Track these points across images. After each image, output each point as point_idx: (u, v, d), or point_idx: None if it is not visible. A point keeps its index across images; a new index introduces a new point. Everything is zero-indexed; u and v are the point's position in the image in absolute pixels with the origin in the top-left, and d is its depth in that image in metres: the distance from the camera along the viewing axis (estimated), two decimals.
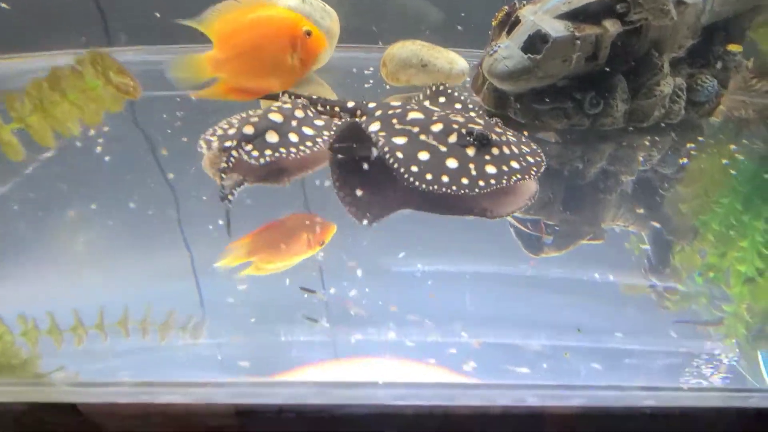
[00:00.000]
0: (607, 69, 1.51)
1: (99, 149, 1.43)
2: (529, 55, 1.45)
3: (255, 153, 1.27)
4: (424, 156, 1.23)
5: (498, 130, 1.32)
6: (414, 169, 1.19)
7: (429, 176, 1.18)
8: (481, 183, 1.18)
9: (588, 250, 1.34)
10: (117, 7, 2.25)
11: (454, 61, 1.84)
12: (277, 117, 1.36)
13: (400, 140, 1.28)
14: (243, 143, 1.29)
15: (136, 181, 1.37)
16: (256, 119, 1.37)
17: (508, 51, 1.51)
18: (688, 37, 1.61)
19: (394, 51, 1.80)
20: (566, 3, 1.43)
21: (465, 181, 1.18)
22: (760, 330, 1.19)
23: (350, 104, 1.51)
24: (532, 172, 1.24)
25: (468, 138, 1.25)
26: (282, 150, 1.32)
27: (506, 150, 1.26)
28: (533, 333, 0.94)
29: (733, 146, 1.81)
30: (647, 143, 1.64)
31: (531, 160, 1.28)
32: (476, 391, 0.77)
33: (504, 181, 1.19)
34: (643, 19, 1.35)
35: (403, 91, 1.94)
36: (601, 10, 1.40)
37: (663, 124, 1.65)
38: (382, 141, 1.26)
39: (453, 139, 1.27)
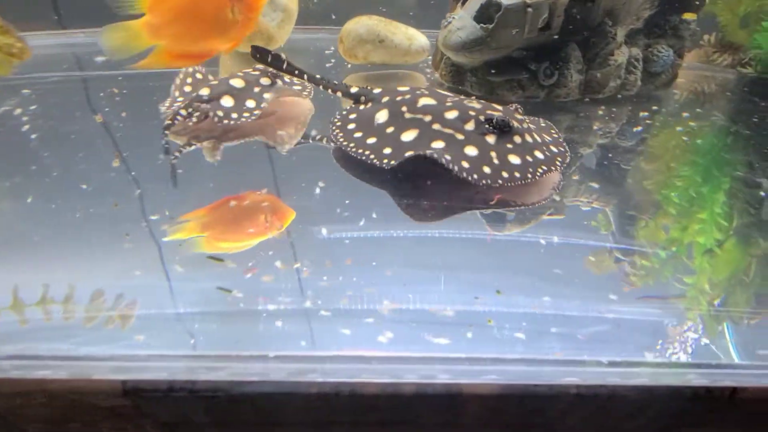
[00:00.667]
0: (561, 39, 1.50)
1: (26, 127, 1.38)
2: (481, 24, 1.44)
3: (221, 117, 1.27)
4: (438, 145, 1.10)
5: (518, 116, 1.20)
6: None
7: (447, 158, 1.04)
8: (505, 174, 1.06)
9: (548, 225, 1.34)
10: None
11: (414, 37, 1.81)
12: (238, 82, 1.38)
13: (409, 135, 1.13)
14: (195, 103, 1.30)
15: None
16: (215, 82, 1.39)
17: (461, 22, 1.49)
18: (646, 7, 1.61)
19: (350, 27, 1.77)
20: None
21: (487, 170, 1.05)
22: (722, 302, 1.19)
23: (353, 89, 1.36)
24: (557, 163, 1.13)
25: (487, 125, 1.11)
26: (233, 115, 1.31)
27: (529, 138, 1.14)
28: (465, 302, 0.91)
29: (692, 120, 1.81)
30: (605, 115, 1.62)
31: (555, 149, 1.17)
32: (385, 366, 0.72)
33: (529, 175, 1.07)
34: None
35: (363, 69, 1.90)
36: None
37: (620, 96, 1.64)
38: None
39: (470, 126, 1.13)
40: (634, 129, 1.60)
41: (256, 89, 1.39)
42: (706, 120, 1.86)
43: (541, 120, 1.31)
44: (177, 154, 1.22)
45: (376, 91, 1.33)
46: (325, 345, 0.78)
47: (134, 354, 0.72)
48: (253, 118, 1.33)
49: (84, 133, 1.42)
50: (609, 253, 1.22)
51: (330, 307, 0.82)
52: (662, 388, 0.71)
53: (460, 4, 1.61)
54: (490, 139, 1.11)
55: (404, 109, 1.20)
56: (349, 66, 1.90)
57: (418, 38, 1.82)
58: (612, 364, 0.73)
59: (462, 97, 1.29)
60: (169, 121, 1.24)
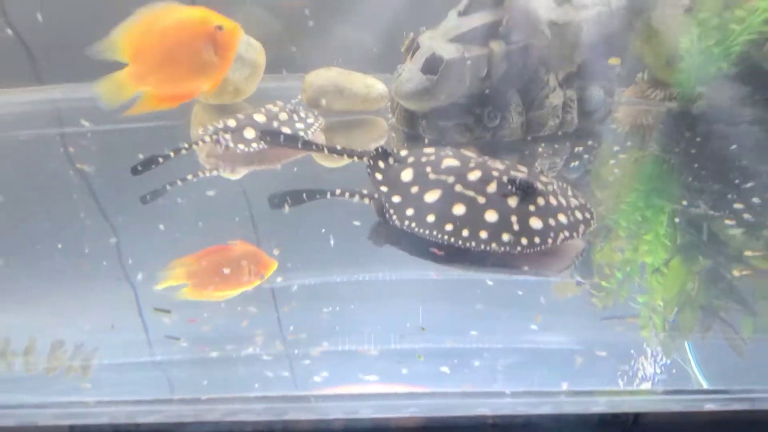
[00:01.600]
0: (502, 86, 1.65)
1: None
2: (428, 75, 1.60)
3: (230, 143, 1.60)
4: (459, 210, 1.10)
5: (544, 179, 1.20)
6: (448, 227, 1.08)
7: (465, 233, 1.07)
8: (524, 241, 1.06)
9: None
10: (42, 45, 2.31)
11: (372, 85, 1.97)
12: (260, 117, 1.69)
13: (432, 196, 1.14)
14: (222, 132, 1.62)
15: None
16: (241, 116, 1.70)
17: (410, 73, 1.65)
18: (578, 54, 1.80)
19: (312, 78, 1.93)
20: (456, 27, 1.59)
21: (506, 237, 1.06)
22: (674, 319, 1.27)
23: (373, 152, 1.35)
24: (580, 230, 1.13)
25: (510, 187, 1.11)
26: (254, 145, 1.63)
27: (553, 201, 1.13)
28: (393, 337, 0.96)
29: (627, 150, 1.99)
30: (548, 151, 1.78)
31: (580, 216, 1.16)
32: (312, 404, 0.78)
33: (550, 240, 1.07)
34: (522, 39, 1.52)
35: (326, 116, 1.95)
36: (487, 33, 1.57)
37: (560, 133, 1.81)
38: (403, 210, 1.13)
39: (492, 188, 1.13)
40: (577, 162, 1.76)
41: (275, 124, 1.69)
42: (640, 150, 2.05)
43: (569, 188, 1.29)
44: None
45: (403, 152, 1.33)
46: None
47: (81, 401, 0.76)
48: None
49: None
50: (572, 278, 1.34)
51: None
52: (571, 415, 0.78)
53: (410, 56, 1.77)
54: (512, 201, 1.10)
55: (429, 169, 1.22)
56: (316, 113, 2.07)
57: (377, 86, 1.98)
58: (526, 393, 0.80)
59: (487, 158, 1.30)
60: (188, 145, 1.54)
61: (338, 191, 1.37)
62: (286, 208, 1.43)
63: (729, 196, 1.61)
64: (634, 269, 1.45)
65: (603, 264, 1.48)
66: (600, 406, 0.84)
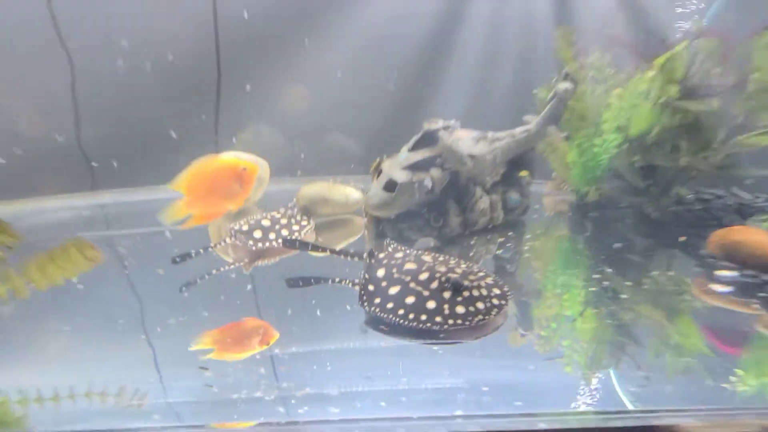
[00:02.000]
0: (443, 197, 2.24)
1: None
2: (387, 193, 2.21)
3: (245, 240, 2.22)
4: (410, 300, 1.65)
5: (472, 277, 1.73)
6: (401, 312, 1.61)
7: (412, 316, 1.60)
8: (450, 321, 1.58)
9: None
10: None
11: (349, 194, 2.58)
12: (266, 222, 2.31)
13: (394, 290, 1.70)
14: (236, 233, 2.23)
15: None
16: (252, 221, 2.30)
17: (374, 190, 2.28)
18: (498, 170, 2.43)
19: (303, 192, 2.53)
20: (407, 159, 2.23)
21: (438, 319, 1.58)
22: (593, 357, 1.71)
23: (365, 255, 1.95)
24: (493, 313, 1.63)
25: (446, 285, 1.65)
26: (260, 244, 2.22)
27: (475, 293, 1.67)
28: None
29: (547, 233, 2.57)
30: (483, 242, 2.34)
31: (496, 302, 1.67)
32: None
33: (468, 322, 1.58)
34: (452, 167, 2.15)
35: (316, 219, 2.57)
36: (428, 163, 2.20)
37: (491, 226, 2.40)
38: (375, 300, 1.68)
39: (434, 285, 1.68)
40: (504, 248, 2.32)
41: (277, 227, 2.30)
42: (553, 232, 2.67)
43: (492, 278, 1.81)
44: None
45: (381, 255, 1.90)
46: None
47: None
48: (276, 244, 2.24)
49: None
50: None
51: None
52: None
53: (375, 176, 2.36)
54: (446, 294, 1.65)
55: (395, 270, 1.79)
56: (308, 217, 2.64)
57: (353, 194, 2.59)
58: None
59: (439, 256, 1.89)
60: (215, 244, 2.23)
61: (338, 279, 1.90)
62: (300, 286, 1.94)
63: (620, 260, 2.21)
64: (561, 320, 1.93)
65: (540, 318, 1.96)
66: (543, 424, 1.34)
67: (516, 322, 1.85)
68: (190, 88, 3.17)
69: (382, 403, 1.36)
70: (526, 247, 2.39)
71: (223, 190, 2.25)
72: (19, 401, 1.39)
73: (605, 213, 2.57)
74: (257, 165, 2.39)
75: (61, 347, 1.76)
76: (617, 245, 2.31)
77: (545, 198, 2.95)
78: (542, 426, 1.39)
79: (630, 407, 1.44)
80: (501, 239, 2.33)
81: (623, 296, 2.02)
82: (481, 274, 1.78)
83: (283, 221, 2.28)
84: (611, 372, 1.64)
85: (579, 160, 2.27)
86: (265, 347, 1.69)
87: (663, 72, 1.96)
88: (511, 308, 1.84)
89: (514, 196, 2.29)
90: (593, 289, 2.06)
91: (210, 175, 2.23)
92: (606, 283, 2.06)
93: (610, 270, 2.11)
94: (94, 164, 3.02)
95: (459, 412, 1.34)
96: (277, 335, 1.73)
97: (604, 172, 2.31)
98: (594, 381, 1.59)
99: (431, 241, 2.09)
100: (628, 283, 2.08)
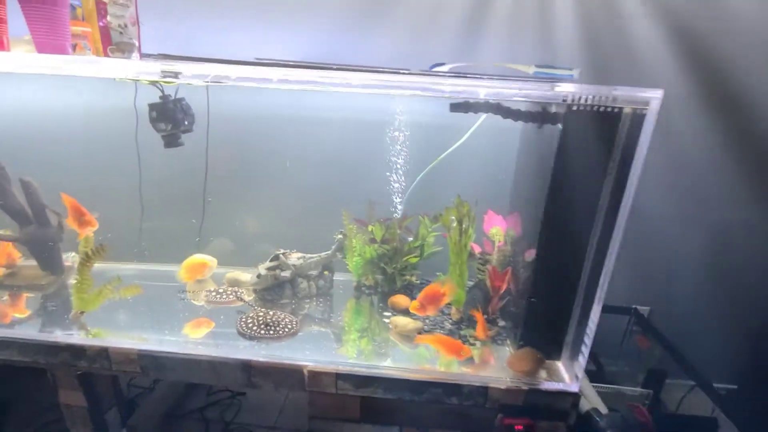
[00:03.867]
0: (283, 283, 4.37)
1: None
2: (257, 279, 4.56)
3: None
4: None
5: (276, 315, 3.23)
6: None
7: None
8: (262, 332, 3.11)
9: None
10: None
11: (248, 277, 4.96)
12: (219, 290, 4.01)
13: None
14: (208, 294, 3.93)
15: None
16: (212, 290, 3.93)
17: (253, 277, 4.63)
18: (312, 270, 4.83)
19: (227, 276, 4.92)
20: (266, 265, 4.50)
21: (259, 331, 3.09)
22: None
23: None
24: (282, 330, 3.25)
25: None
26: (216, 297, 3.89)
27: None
28: None
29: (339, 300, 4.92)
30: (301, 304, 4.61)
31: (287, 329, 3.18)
32: None
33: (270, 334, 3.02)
34: (287, 269, 4.54)
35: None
36: (276, 267, 4.58)
37: (308, 297, 4.75)
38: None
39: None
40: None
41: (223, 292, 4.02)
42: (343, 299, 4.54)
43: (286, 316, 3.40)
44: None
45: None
46: None
47: None
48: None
49: None
50: None
51: None
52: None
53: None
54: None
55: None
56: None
57: (249, 277, 4.99)
58: None
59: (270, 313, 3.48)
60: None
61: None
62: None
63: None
64: None
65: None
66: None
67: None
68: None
69: None
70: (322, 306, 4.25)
71: (196, 273, 4.39)
72: None
73: (368, 290, 4.38)
74: (213, 261, 4.39)
75: None
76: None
77: None
78: None
79: None
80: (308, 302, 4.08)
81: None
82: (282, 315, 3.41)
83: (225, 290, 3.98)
84: None
85: (356, 263, 4.49)
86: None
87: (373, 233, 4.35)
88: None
89: (321, 282, 4.53)
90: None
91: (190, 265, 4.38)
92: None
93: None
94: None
95: None
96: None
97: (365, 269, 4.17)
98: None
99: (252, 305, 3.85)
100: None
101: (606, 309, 2.64)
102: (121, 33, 2.71)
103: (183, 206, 4.44)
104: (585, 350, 2.66)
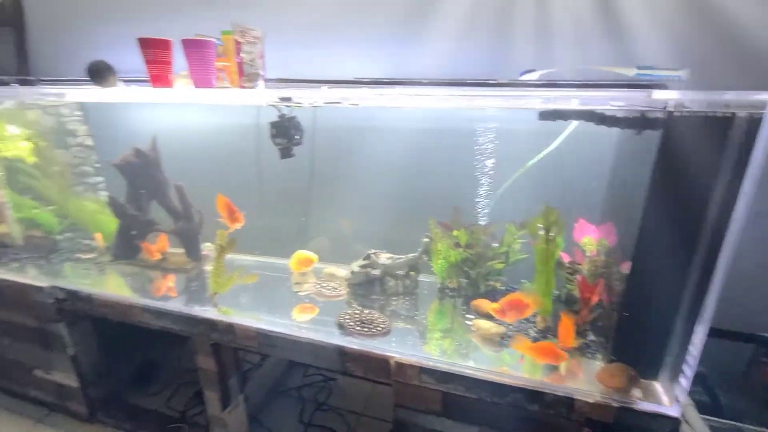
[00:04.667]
0: (374, 280, 5.06)
1: None
2: (351, 275, 5.05)
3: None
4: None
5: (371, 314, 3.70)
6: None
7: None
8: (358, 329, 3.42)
9: None
10: None
11: (343, 272, 5.48)
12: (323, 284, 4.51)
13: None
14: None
15: None
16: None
17: (347, 273, 5.11)
18: (400, 271, 5.13)
19: (325, 270, 5.35)
20: (358, 263, 5.04)
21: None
22: None
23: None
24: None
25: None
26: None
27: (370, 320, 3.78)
28: None
29: (420, 296, 5.16)
30: (389, 300, 5.04)
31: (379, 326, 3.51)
32: None
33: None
34: (377, 268, 4.92)
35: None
36: (369, 266, 5.01)
37: (395, 295, 5.07)
38: None
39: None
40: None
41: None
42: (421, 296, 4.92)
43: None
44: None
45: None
46: None
47: None
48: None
49: None
50: None
51: None
52: None
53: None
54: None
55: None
56: None
57: (344, 272, 5.19)
58: None
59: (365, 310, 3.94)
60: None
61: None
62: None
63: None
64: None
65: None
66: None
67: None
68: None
69: None
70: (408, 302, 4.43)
71: (303, 266, 4.89)
72: None
73: (452, 292, 4.56)
74: (315, 257, 4.81)
75: None
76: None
77: None
78: None
79: None
80: (395, 299, 4.39)
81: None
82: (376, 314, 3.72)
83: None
84: None
85: (440, 266, 4.77)
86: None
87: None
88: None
89: (407, 281, 4.85)
90: None
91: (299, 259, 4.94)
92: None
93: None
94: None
95: None
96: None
97: (450, 273, 4.25)
98: None
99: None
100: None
101: (725, 334, 2.47)
102: (251, 66, 3.30)
103: (291, 208, 5.06)
104: (688, 372, 2.49)
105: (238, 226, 3.80)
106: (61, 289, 3.78)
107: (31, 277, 4.01)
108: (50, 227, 4.72)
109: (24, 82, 4.47)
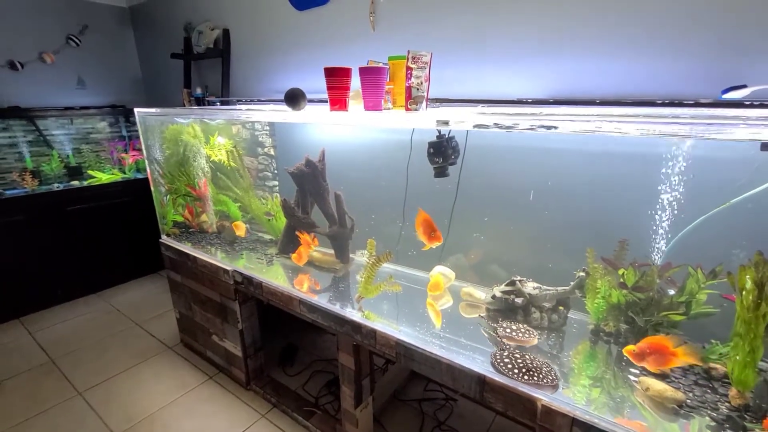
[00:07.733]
0: (516, 311, 4.70)
1: None
2: (491, 300, 4.85)
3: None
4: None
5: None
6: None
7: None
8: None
9: None
10: None
11: (481, 295, 5.29)
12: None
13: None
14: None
15: None
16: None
17: (489, 298, 4.92)
18: (547, 303, 4.68)
19: (462, 290, 5.38)
20: (501, 289, 4.82)
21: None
22: None
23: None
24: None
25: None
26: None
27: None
28: None
29: (565, 337, 4.58)
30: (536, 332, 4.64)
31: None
32: None
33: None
34: (521, 297, 4.60)
35: None
36: (511, 293, 4.72)
37: (539, 328, 4.64)
38: None
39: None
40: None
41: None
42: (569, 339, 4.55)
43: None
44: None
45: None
46: None
47: None
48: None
49: None
50: None
51: None
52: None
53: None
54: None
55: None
56: None
57: (482, 295, 5.31)
58: None
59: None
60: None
61: None
62: None
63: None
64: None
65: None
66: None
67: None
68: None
69: None
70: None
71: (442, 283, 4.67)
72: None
73: (607, 336, 4.15)
74: (452, 274, 4.76)
75: None
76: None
77: None
78: None
79: None
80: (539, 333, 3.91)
81: None
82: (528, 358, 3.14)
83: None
84: None
85: (597, 305, 4.27)
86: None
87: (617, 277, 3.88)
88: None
89: (554, 316, 4.52)
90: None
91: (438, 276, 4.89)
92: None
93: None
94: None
95: None
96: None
97: (608, 315, 3.68)
98: None
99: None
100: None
101: None
102: (417, 90, 3.44)
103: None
104: None
105: (435, 244, 3.76)
106: (240, 273, 4.35)
107: (219, 260, 4.83)
108: (236, 219, 5.66)
109: (224, 102, 5.61)
